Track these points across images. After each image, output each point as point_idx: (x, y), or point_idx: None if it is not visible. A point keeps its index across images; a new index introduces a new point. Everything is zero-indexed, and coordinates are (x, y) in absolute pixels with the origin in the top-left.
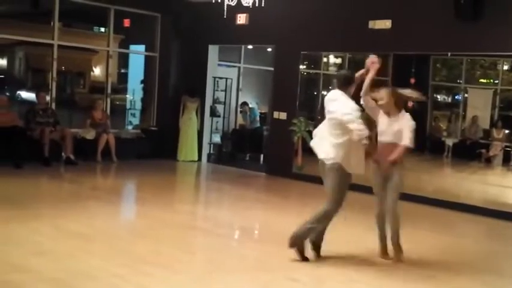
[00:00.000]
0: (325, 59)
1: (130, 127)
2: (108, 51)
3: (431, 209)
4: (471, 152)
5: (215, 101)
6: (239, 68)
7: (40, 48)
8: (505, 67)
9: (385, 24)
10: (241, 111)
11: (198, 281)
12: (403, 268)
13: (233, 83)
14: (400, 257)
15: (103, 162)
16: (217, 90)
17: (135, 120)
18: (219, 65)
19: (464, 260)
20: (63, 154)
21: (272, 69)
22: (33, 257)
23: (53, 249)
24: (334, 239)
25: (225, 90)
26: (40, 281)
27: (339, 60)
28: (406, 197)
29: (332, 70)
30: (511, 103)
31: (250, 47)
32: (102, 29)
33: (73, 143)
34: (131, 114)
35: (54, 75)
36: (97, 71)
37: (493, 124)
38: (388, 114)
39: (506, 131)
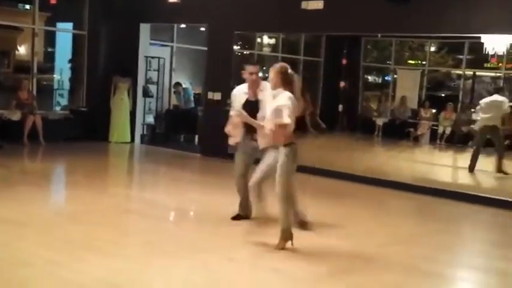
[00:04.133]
0: (259, 40)
1: (58, 108)
2: (33, 29)
3: (362, 186)
4: (400, 131)
5: (148, 81)
6: (172, 47)
7: None
8: (432, 48)
9: (318, 4)
10: (174, 92)
11: (135, 264)
12: (333, 249)
13: (166, 63)
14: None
15: (30, 144)
16: (149, 70)
17: (64, 101)
18: (151, 44)
19: (398, 237)
20: None
21: (206, 49)
22: None
23: None
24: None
25: (158, 70)
26: None
27: (272, 41)
28: (337, 175)
29: (266, 51)
30: (438, 84)
31: (183, 26)
32: (27, 6)
33: None
34: (59, 94)
35: None
36: (22, 50)
37: (420, 104)
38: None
39: (434, 111)
